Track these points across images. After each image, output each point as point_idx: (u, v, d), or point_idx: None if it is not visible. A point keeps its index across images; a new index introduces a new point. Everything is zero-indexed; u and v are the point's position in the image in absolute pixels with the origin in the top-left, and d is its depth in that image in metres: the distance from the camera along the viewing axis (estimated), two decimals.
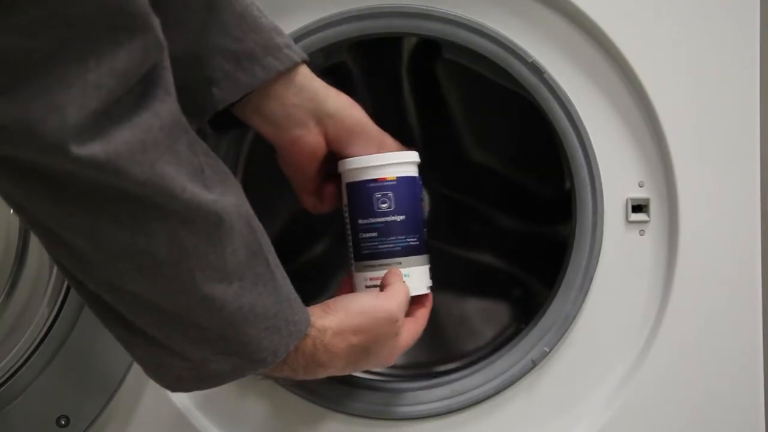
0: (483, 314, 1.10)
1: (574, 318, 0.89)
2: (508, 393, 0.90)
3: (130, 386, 0.87)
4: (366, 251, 0.81)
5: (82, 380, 0.84)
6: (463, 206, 1.12)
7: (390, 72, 1.10)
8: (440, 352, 1.03)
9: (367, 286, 0.81)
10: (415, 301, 0.82)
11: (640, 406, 0.89)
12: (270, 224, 0.73)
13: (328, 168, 0.82)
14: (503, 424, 0.90)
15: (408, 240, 0.81)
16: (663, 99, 0.87)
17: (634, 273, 0.89)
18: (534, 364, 0.89)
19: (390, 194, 0.81)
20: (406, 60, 1.09)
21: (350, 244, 0.83)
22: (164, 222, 0.58)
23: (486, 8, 0.87)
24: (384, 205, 0.81)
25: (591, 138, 0.88)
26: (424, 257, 0.83)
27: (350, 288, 0.83)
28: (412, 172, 0.83)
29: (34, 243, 0.82)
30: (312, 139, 0.78)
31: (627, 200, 0.89)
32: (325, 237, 0.98)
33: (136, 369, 0.86)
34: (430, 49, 0.96)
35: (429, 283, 0.83)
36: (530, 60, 0.87)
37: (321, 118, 0.77)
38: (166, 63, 0.57)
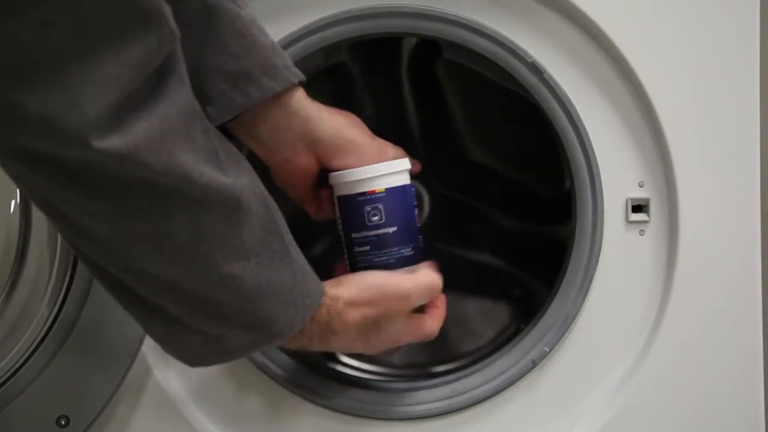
0: (483, 314, 1.10)
1: (574, 318, 0.89)
2: (508, 393, 0.90)
3: (130, 386, 0.87)
4: (361, 264, 0.81)
5: (82, 380, 0.84)
6: (463, 206, 1.12)
7: (390, 72, 1.09)
8: (440, 352, 1.03)
9: None
10: (429, 304, 0.82)
11: (640, 406, 0.89)
12: None
13: (325, 175, 0.82)
14: (503, 424, 0.90)
15: (402, 251, 0.81)
16: (663, 99, 0.87)
17: (634, 273, 0.89)
18: (534, 364, 0.89)
19: (380, 206, 0.80)
20: (406, 60, 1.09)
21: (346, 256, 0.82)
22: (183, 206, 0.59)
23: (486, 8, 0.87)
24: (375, 218, 0.80)
25: (591, 138, 0.88)
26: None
27: (345, 272, 0.83)
28: (403, 180, 0.82)
29: (34, 243, 0.82)
30: (303, 161, 0.78)
31: (627, 200, 0.89)
32: (325, 237, 0.98)
33: (136, 369, 0.86)
34: (430, 49, 0.96)
35: None
36: (530, 60, 0.87)
37: (312, 142, 0.78)
38: (179, 52, 0.58)
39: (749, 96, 0.88)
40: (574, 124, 0.87)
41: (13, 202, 0.82)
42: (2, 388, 0.83)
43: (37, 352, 0.83)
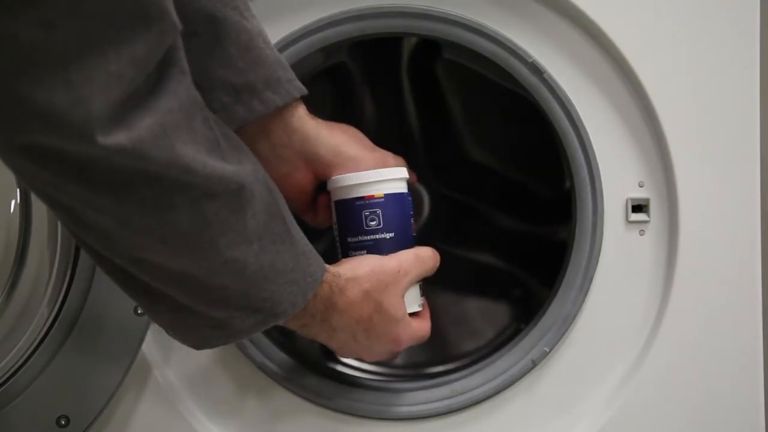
0: (483, 314, 1.10)
1: (574, 318, 0.89)
2: (508, 393, 0.90)
3: (130, 386, 0.87)
4: None
5: (82, 380, 0.84)
6: (463, 206, 1.12)
7: (390, 72, 1.09)
8: (440, 352, 1.03)
9: None
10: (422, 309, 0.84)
11: (640, 406, 0.89)
12: None
13: (322, 183, 0.83)
14: (503, 424, 0.90)
15: None
16: (663, 99, 0.87)
17: (634, 273, 0.89)
18: (534, 364, 0.89)
19: (378, 212, 0.81)
20: (406, 60, 1.09)
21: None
22: (186, 196, 0.60)
23: (486, 8, 0.87)
24: (373, 223, 0.81)
25: (591, 138, 0.88)
26: None
27: None
28: (401, 188, 0.83)
29: (34, 243, 0.82)
30: (301, 177, 0.80)
31: (627, 200, 0.89)
32: (325, 237, 0.98)
33: (136, 369, 0.86)
34: (430, 49, 0.96)
35: (420, 300, 0.83)
36: (530, 60, 0.87)
37: (311, 159, 0.79)
38: (180, 43, 0.58)
39: (749, 96, 0.88)
40: (574, 124, 0.87)
41: (13, 202, 0.82)
42: (2, 388, 0.83)
43: (37, 352, 0.83)
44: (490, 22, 0.87)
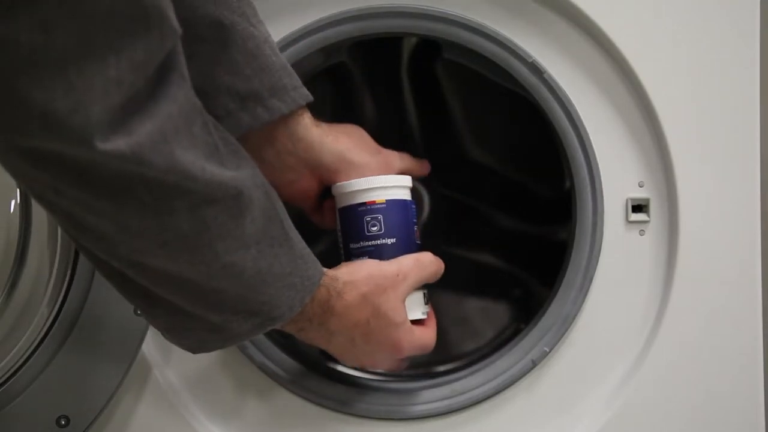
0: (483, 314, 1.10)
1: (574, 318, 0.89)
2: (508, 393, 0.90)
3: (130, 386, 0.87)
4: None
5: (82, 380, 0.84)
6: (463, 206, 1.12)
7: (390, 72, 1.09)
8: (440, 352, 1.03)
9: None
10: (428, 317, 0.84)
11: (640, 406, 0.89)
12: None
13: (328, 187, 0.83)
14: (503, 424, 0.90)
15: None
16: (663, 99, 0.87)
17: (634, 273, 0.89)
18: (534, 364, 0.89)
19: (380, 217, 0.81)
20: (406, 60, 1.09)
21: None
22: (186, 201, 0.60)
23: (486, 8, 0.87)
24: (374, 229, 0.81)
25: (591, 138, 0.88)
26: None
27: None
28: (404, 195, 0.83)
29: (34, 243, 0.82)
30: (306, 184, 0.81)
31: (627, 200, 0.89)
32: (325, 237, 0.98)
33: (136, 369, 0.86)
34: (430, 49, 0.96)
35: (424, 308, 0.83)
36: (530, 60, 0.87)
37: (315, 167, 0.80)
38: (180, 48, 0.58)
39: (749, 96, 0.88)
40: (574, 124, 0.87)
41: (13, 202, 0.82)
42: (2, 388, 0.83)
43: (37, 352, 0.83)
44: (490, 22, 0.87)
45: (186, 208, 0.60)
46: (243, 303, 0.68)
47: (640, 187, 0.89)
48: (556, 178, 1.03)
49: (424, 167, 0.89)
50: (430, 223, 1.10)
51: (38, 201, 0.61)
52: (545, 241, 1.09)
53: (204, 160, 0.60)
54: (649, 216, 0.89)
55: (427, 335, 0.82)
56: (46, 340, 0.83)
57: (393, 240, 0.81)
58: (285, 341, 0.93)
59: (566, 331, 0.89)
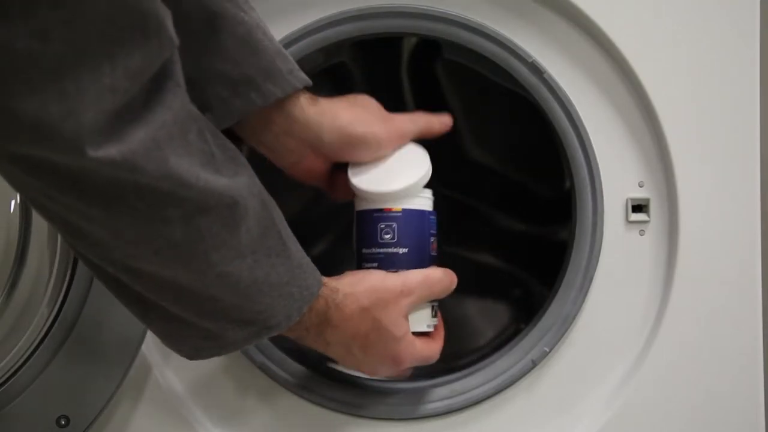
0: (483, 314, 1.10)
1: (574, 318, 0.89)
2: (508, 393, 0.90)
3: (130, 386, 0.87)
4: None
5: (82, 380, 0.84)
6: (463, 206, 1.12)
7: (390, 72, 1.09)
8: (440, 352, 1.03)
9: None
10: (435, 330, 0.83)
11: (640, 406, 0.89)
12: None
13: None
14: (503, 424, 0.90)
15: None
16: (663, 99, 0.87)
17: (634, 273, 0.89)
18: (534, 364, 0.89)
19: (394, 226, 0.79)
20: (406, 60, 1.09)
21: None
22: (180, 209, 0.59)
23: (486, 8, 0.87)
24: (387, 236, 0.79)
25: (591, 138, 0.88)
26: None
27: None
28: (422, 206, 0.81)
29: (34, 243, 0.82)
30: (311, 164, 0.79)
31: (627, 200, 0.89)
32: (326, 236, 0.98)
33: (136, 369, 0.86)
34: (430, 49, 0.96)
35: (430, 321, 0.82)
36: (530, 60, 0.87)
37: (318, 146, 0.77)
38: (177, 56, 0.58)
39: (749, 96, 0.88)
40: (574, 124, 0.87)
41: (13, 202, 0.82)
42: (2, 388, 0.83)
43: (37, 352, 0.83)
44: (490, 22, 0.87)
45: (179, 216, 0.59)
46: (239, 312, 0.67)
47: (640, 187, 0.89)
48: (556, 178, 1.03)
49: (443, 122, 0.84)
50: None
51: (32, 206, 0.61)
52: (545, 241, 1.09)
53: (198, 167, 0.59)
54: (649, 216, 0.89)
55: (430, 348, 0.81)
56: (46, 340, 0.83)
57: (405, 250, 0.80)
58: (286, 343, 0.93)
59: (566, 331, 0.89)
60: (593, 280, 0.89)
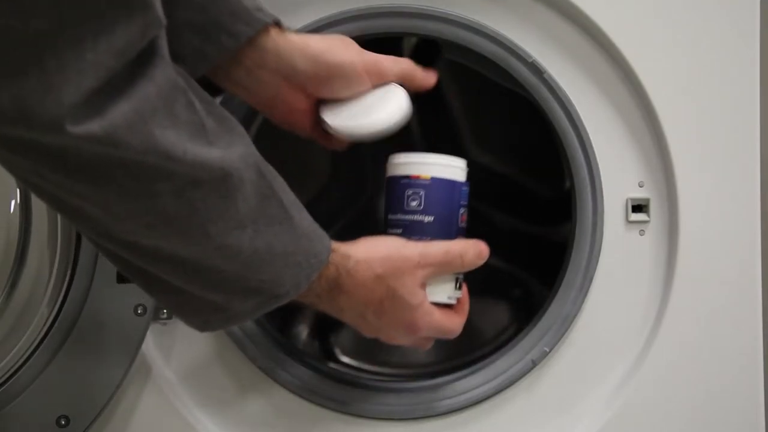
0: (483, 314, 1.10)
1: (574, 318, 0.89)
2: (508, 393, 0.90)
3: (130, 386, 0.87)
4: None
5: (82, 380, 0.84)
6: None
7: None
8: (440, 352, 1.03)
9: None
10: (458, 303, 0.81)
11: (640, 406, 0.89)
12: None
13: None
14: (503, 424, 0.90)
15: None
16: (663, 99, 0.87)
17: (634, 273, 0.89)
18: (534, 364, 0.89)
19: (421, 193, 0.78)
20: None
21: None
22: (169, 184, 0.59)
23: (486, 8, 0.87)
24: (414, 204, 0.78)
25: (591, 138, 0.88)
26: None
27: None
28: (453, 175, 0.79)
29: (34, 243, 0.82)
30: (289, 97, 0.76)
31: (627, 200, 0.89)
32: (329, 231, 0.98)
33: (136, 369, 0.86)
34: (430, 49, 0.96)
35: (452, 293, 0.80)
36: (530, 60, 0.87)
37: (291, 76, 0.75)
38: (163, 34, 0.57)
39: (749, 96, 0.88)
40: (574, 124, 0.87)
41: (13, 202, 0.82)
42: (2, 388, 0.83)
43: (37, 352, 0.83)
44: (490, 22, 0.87)
45: (170, 190, 0.59)
46: (243, 282, 0.66)
47: (640, 187, 0.89)
48: (556, 178, 1.03)
49: (426, 75, 0.81)
50: None
51: (27, 186, 0.61)
52: (545, 241, 1.09)
53: (187, 140, 0.58)
54: (649, 216, 0.89)
55: (451, 320, 0.79)
56: (46, 340, 0.83)
57: (431, 218, 0.78)
58: (285, 341, 0.93)
59: (566, 331, 0.89)
60: (593, 280, 0.89)
